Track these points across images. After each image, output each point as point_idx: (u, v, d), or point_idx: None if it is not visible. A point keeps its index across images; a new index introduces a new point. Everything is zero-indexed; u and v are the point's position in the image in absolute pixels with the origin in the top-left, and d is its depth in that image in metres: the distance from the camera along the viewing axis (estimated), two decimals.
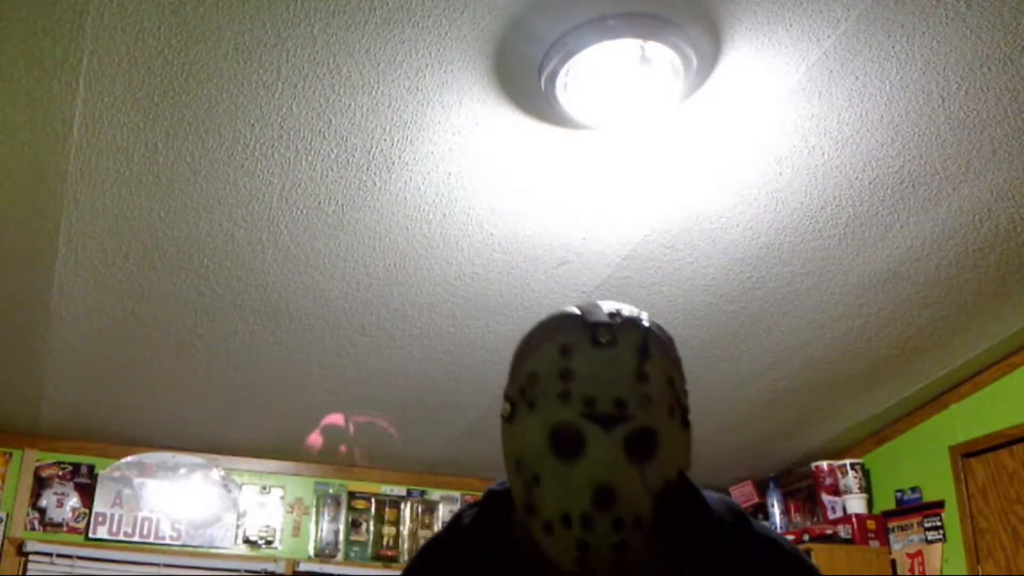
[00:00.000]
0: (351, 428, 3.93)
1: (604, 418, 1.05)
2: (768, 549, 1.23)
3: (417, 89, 2.12)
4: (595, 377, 1.07)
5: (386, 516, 4.45)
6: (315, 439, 4.05)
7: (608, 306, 1.15)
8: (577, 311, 1.14)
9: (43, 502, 4.03)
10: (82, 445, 4.12)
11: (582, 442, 1.05)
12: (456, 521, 1.32)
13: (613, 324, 1.11)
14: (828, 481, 4.16)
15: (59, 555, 3.89)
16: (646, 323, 1.14)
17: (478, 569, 1.23)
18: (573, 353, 1.09)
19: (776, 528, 4.34)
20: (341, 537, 4.36)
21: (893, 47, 2.06)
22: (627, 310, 1.15)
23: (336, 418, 3.89)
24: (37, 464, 4.07)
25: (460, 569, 1.25)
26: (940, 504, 3.80)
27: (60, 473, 4.09)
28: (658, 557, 1.15)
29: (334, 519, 4.38)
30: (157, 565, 4.02)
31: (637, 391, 1.07)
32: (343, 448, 4.17)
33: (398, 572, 4.35)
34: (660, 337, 1.15)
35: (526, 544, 1.15)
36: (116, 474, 4.14)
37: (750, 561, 1.20)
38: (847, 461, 4.15)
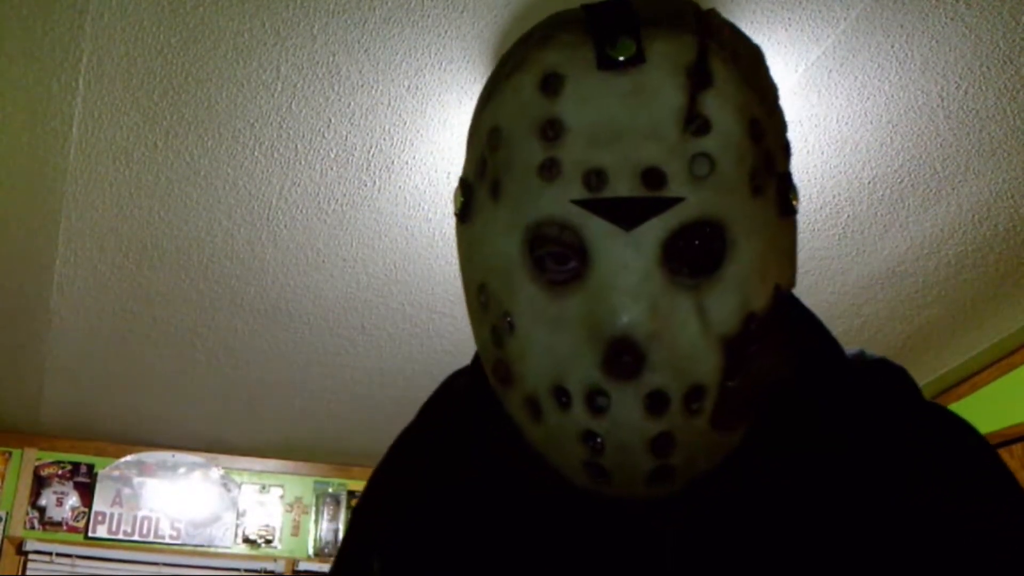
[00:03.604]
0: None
1: (623, 205, 0.58)
2: (951, 435, 0.70)
3: (417, 88, 2.12)
4: (604, 129, 0.58)
5: None
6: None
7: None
8: (581, 10, 0.64)
9: (42, 501, 4.03)
10: (81, 444, 4.12)
11: (584, 252, 0.59)
12: (444, 394, 0.84)
13: (637, 24, 0.60)
14: None
15: (58, 554, 3.89)
16: (705, 18, 0.64)
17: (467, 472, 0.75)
18: (564, 85, 0.60)
19: None
20: (341, 536, 4.36)
21: (892, 47, 2.06)
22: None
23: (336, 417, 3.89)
24: (36, 463, 4.06)
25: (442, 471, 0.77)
26: None
27: (59, 472, 4.09)
28: (745, 461, 0.64)
29: (333, 518, 4.38)
30: (156, 564, 4.02)
31: (686, 150, 0.59)
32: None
33: None
34: (734, 42, 0.64)
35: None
36: (115, 473, 4.14)
37: (916, 458, 0.67)
38: None
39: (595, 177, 0.58)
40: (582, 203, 0.58)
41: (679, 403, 0.59)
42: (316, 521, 4.37)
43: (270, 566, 4.17)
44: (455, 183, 2.38)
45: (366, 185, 2.46)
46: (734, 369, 0.60)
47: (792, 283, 0.68)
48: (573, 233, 0.59)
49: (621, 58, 0.59)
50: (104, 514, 4.07)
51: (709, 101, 0.60)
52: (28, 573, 3.84)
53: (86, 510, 4.06)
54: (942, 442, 0.68)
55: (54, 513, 4.02)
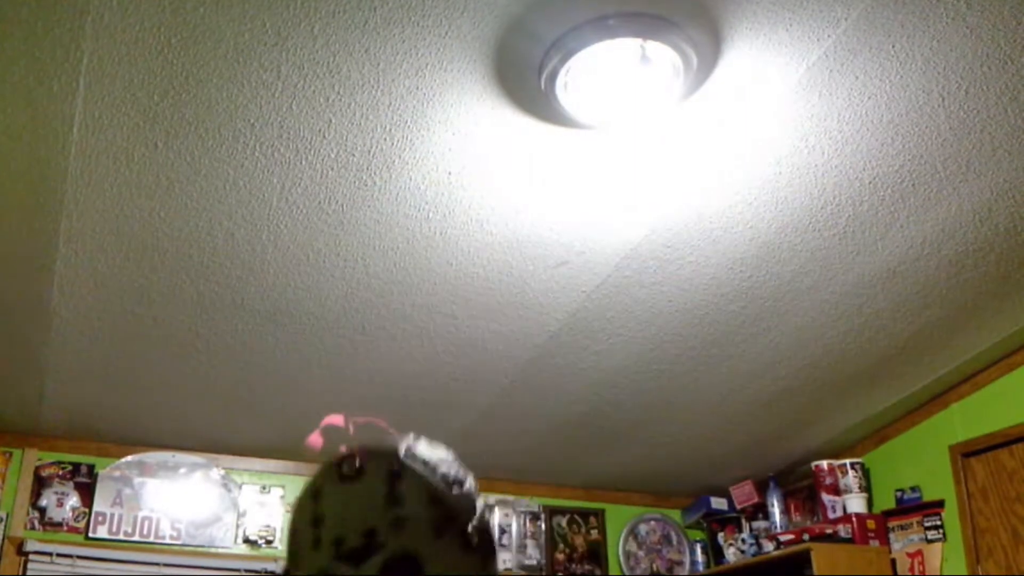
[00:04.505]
0: (350, 428, 3.92)
1: (354, 555, 0.98)
2: None
3: (417, 88, 2.12)
4: (343, 514, 1.01)
5: None
6: (315, 440, 4.04)
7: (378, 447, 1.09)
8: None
9: (43, 501, 4.03)
10: (82, 445, 4.12)
11: None
12: None
13: (360, 454, 1.06)
14: (828, 480, 4.17)
15: (59, 554, 3.89)
16: (404, 448, 1.07)
17: None
18: (322, 496, 1.04)
19: (776, 528, 4.34)
20: None
21: (893, 47, 2.06)
22: (391, 446, 1.08)
23: (335, 419, 3.89)
24: (37, 464, 4.06)
25: None
26: (940, 503, 3.81)
27: (60, 473, 4.09)
28: None
29: None
30: (157, 564, 4.02)
31: (388, 516, 0.99)
32: (343, 448, 4.16)
33: None
34: (423, 457, 1.06)
35: None
36: (116, 474, 4.14)
37: None
38: (847, 461, 4.16)
39: (339, 543, 0.99)
40: (334, 558, 0.98)
41: None
42: None
43: (271, 567, 4.16)
44: (455, 182, 2.40)
45: (366, 185, 2.46)
46: None
47: None
48: None
49: (349, 474, 1.04)
50: (105, 514, 4.07)
51: (403, 487, 1.01)
52: (29, 573, 3.84)
53: (87, 510, 4.06)
54: None
55: (55, 513, 4.01)
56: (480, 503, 1.08)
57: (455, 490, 1.06)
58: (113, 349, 3.27)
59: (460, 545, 1.02)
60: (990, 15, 1.98)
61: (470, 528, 1.05)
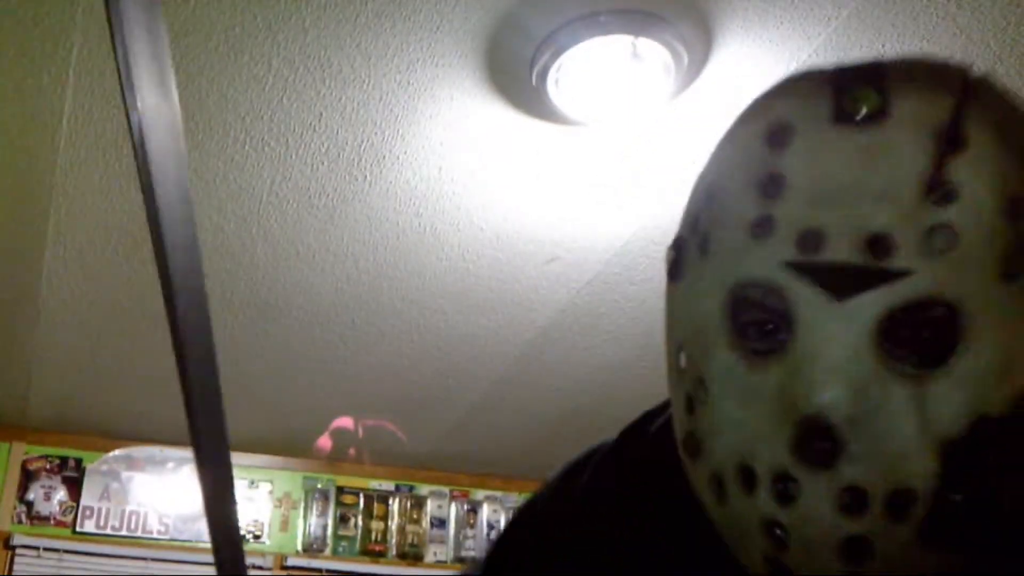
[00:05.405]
0: (357, 428, 3.92)
1: (840, 272, 0.52)
2: None
3: (408, 83, 2.12)
4: (830, 187, 0.53)
5: (375, 511, 4.44)
6: (324, 443, 4.04)
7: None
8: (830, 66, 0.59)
9: (30, 495, 4.01)
10: (70, 438, 4.11)
11: (789, 320, 0.54)
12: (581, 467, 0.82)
13: (885, 78, 0.54)
14: None
15: (46, 549, 3.88)
16: (968, 76, 0.56)
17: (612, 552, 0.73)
18: (792, 138, 0.55)
19: None
20: (329, 532, 4.36)
21: (883, 46, 2.06)
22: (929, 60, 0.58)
23: (343, 420, 3.88)
24: (25, 457, 4.05)
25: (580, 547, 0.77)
26: None
27: (48, 467, 4.08)
28: None
29: (322, 514, 4.38)
30: (144, 559, 4.01)
31: (923, 219, 0.51)
32: (352, 450, 4.15)
33: (385, 567, 4.36)
34: (1005, 111, 0.56)
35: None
36: (104, 468, 4.13)
37: None
38: None
39: (812, 238, 0.53)
40: (793, 265, 0.53)
41: (880, 505, 0.51)
42: (305, 516, 4.37)
43: (258, 561, 4.16)
44: (445, 177, 2.38)
45: (357, 180, 2.45)
46: (956, 479, 0.51)
47: None
48: (779, 298, 0.54)
49: (862, 112, 0.54)
50: (92, 508, 4.06)
51: (959, 168, 0.52)
52: (15, 568, 3.83)
53: (74, 505, 4.05)
54: None
55: (42, 508, 4.00)
56: None
57: None
58: (101, 343, 3.26)
59: None
60: (980, 15, 1.99)
61: None
